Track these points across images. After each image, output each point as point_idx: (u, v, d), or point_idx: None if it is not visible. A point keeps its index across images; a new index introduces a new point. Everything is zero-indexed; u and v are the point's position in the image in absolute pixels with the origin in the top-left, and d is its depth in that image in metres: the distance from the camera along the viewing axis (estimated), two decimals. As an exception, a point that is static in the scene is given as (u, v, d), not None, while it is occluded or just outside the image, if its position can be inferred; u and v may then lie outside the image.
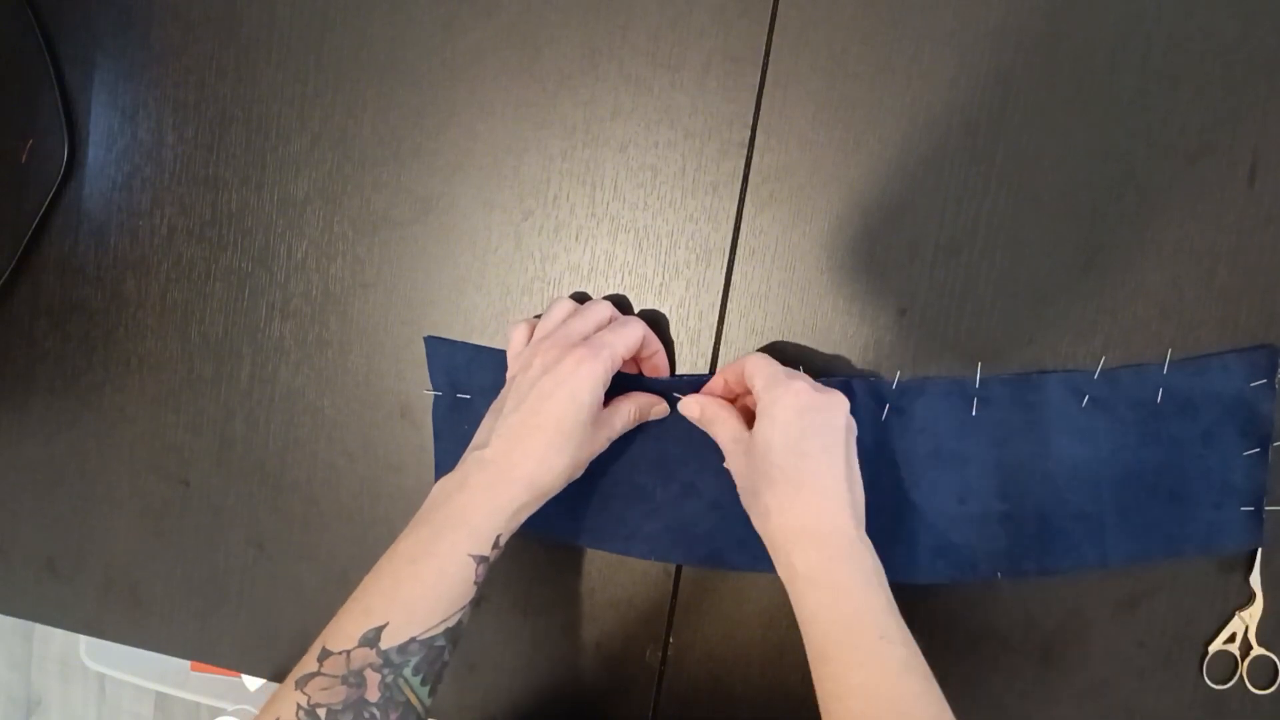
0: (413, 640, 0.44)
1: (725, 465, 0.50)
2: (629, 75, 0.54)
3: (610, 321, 0.52)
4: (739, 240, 0.54)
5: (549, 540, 0.57)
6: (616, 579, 0.57)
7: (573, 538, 0.56)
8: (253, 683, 1.19)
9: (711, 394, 0.52)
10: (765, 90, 0.53)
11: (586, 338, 0.50)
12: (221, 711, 1.22)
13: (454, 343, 0.57)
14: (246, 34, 0.59)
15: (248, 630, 0.62)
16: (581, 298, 0.56)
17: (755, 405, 0.48)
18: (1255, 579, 0.51)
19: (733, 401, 0.52)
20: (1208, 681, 0.52)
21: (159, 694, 1.55)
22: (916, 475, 0.52)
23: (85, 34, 0.61)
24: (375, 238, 0.58)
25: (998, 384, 0.51)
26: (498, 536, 0.47)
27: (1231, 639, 0.52)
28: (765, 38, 0.53)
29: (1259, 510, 0.50)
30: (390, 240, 0.58)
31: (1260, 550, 0.51)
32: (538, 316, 0.54)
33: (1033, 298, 0.52)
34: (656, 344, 0.54)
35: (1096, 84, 0.50)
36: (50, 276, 0.63)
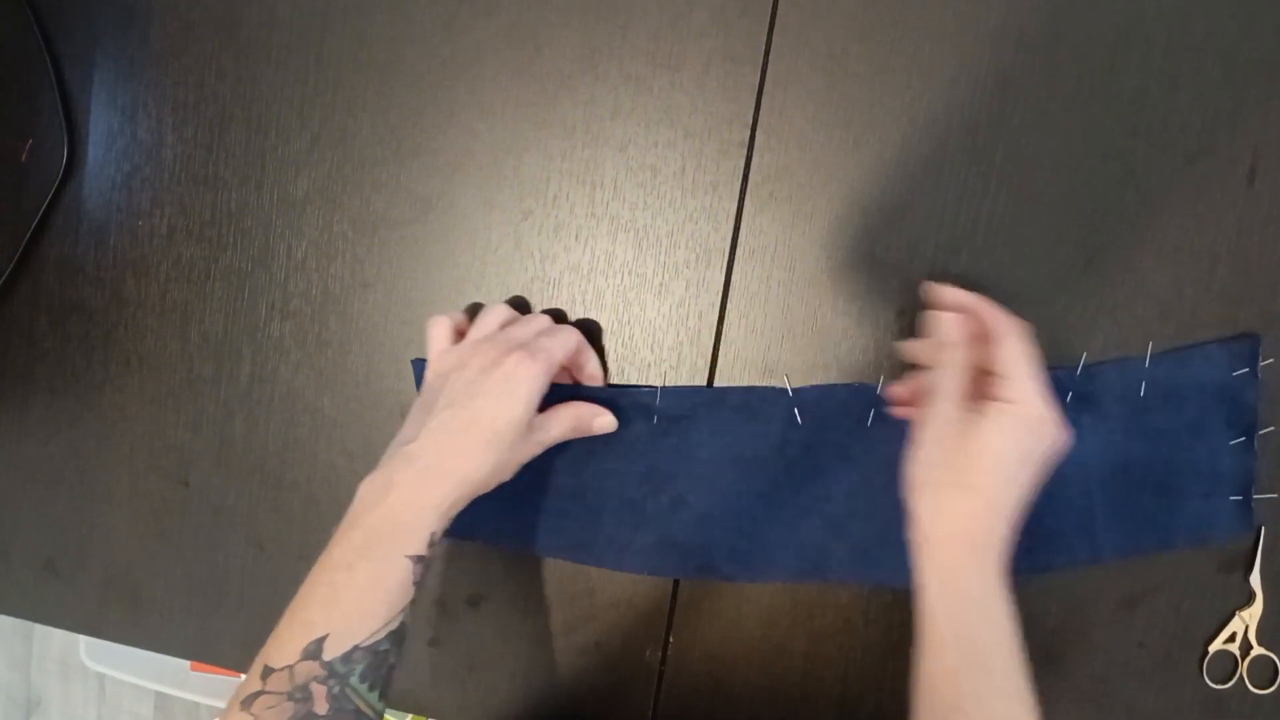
0: (356, 648, 0.44)
1: (913, 424, 0.46)
2: (629, 75, 0.54)
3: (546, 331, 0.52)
4: (739, 240, 0.54)
5: (540, 555, 0.57)
6: (616, 579, 0.57)
7: (564, 555, 0.56)
8: (253, 683, 1.19)
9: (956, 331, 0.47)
10: (765, 90, 0.53)
11: (524, 344, 0.50)
12: (221, 711, 1.22)
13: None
14: (246, 34, 0.59)
15: (248, 630, 0.62)
16: (520, 304, 0.56)
17: (995, 388, 0.44)
18: (1255, 579, 0.51)
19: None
20: (1208, 681, 0.52)
21: (159, 694, 1.55)
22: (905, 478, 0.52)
23: (85, 34, 0.61)
24: (375, 237, 0.58)
25: None
26: (431, 534, 0.46)
27: (1231, 639, 0.52)
28: (765, 37, 0.53)
29: (1248, 499, 0.50)
30: (390, 240, 0.58)
31: (1260, 550, 0.51)
32: (465, 312, 0.55)
33: (1033, 298, 0.52)
34: (592, 355, 0.54)
35: (1096, 84, 0.50)
36: (50, 276, 0.63)
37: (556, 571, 0.58)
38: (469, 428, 0.48)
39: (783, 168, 0.53)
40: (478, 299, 0.57)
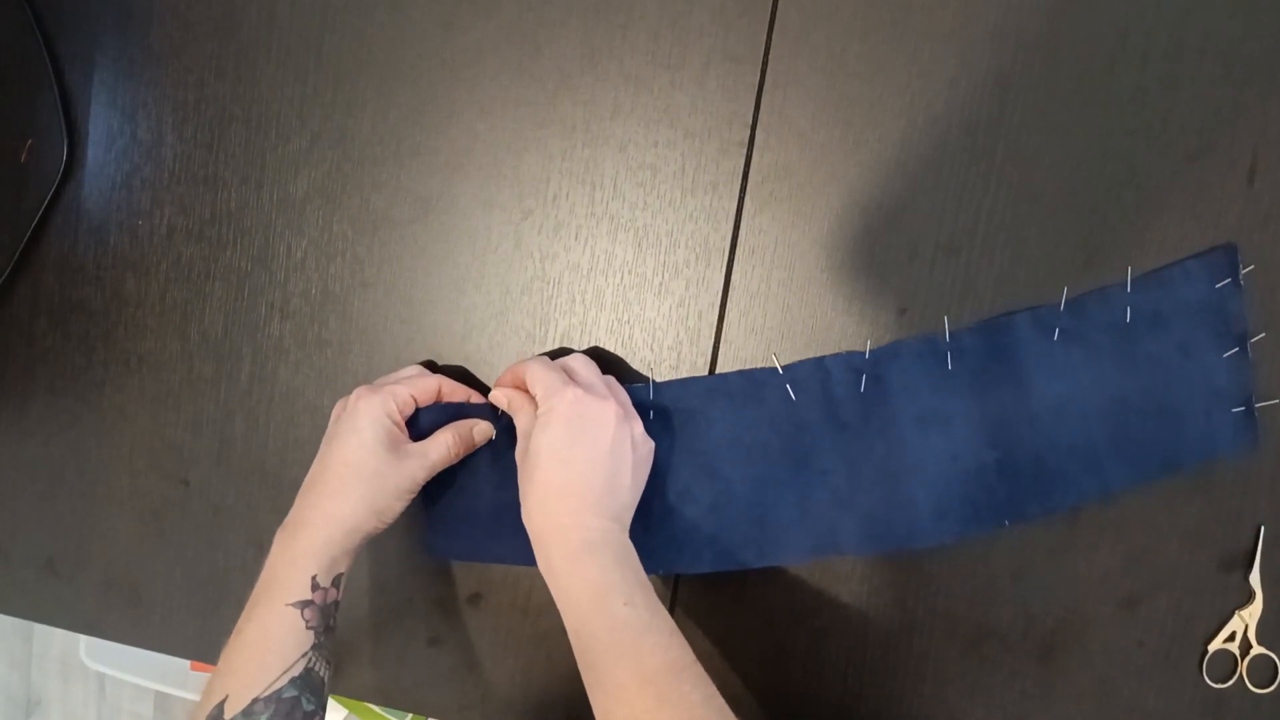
0: (255, 700, 0.46)
1: (514, 453, 0.52)
2: (629, 74, 0.54)
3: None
4: (738, 239, 0.54)
5: None
6: (616, 578, 0.57)
7: None
8: (253, 682, 1.19)
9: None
10: (765, 90, 0.53)
11: (370, 384, 0.54)
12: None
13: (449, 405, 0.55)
14: (246, 34, 0.59)
15: (248, 630, 0.62)
16: (461, 374, 0.58)
17: None
18: (1255, 578, 0.51)
19: None
20: (1207, 680, 0.52)
21: (159, 693, 1.55)
22: (905, 440, 0.52)
23: (85, 34, 0.61)
24: (375, 237, 0.58)
25: (968, 334, 0.51)
26: (312, 578, 0.49)
27: (1231, 638, 0.52)
28: (765, 37, 0.53)
29: (1250, 409, 0.50)
30: (390, 240, 0.58)
31: (1260, 549, 0.51)
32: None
33: (1032, 297, 0.52)
34: (464, 392, 0.55)
35: (1096, 84, 0.50)
36: (50, 276, 0.63)
37: (556, 571, 0.58)
38: (325, 471, 0.51)
39: (783, 167, 0.53)
40: (477, 298, 0.57)
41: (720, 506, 0.53)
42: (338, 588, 0.50)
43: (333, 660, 0.50)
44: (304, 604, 0.48)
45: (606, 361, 0.56)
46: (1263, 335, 0.50)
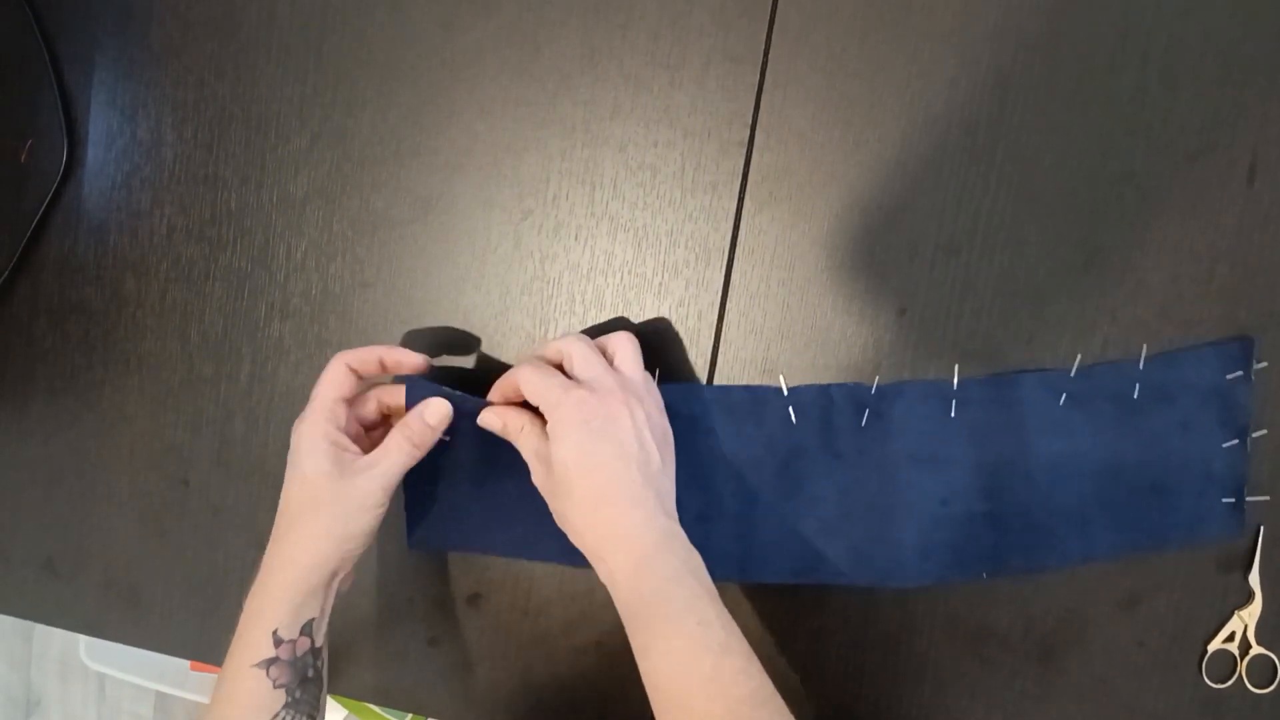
0: None
1: (533, 482, 0.49)
2: (628, 74, 0.54)
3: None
4: (738, 239, 0.54)
5: (536, 560, 0.57)
6: (616, 578, 0.57)
7: (560, 560, 0.56)
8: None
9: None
10: (764, 90, 0.53)
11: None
12: None
13: (436, 386, 0.52)
14: (246, 33, 0.59)
15: (247, 630, 0.62)
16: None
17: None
18: (1254, 578, 0.51)
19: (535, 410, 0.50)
20: (1207, 681, 0.52)
21: (159, 694, 1.55)
22: (898, 478, 0.52)
23: (85, 34, 0.61)
24: (375, 237, 0.58)
25: (975, 385, 0.51)
26: (274, 632, 0.47)
27: (1231, 638, 0.52)
28: (764, 37, 0.53)
29: (1240, 501, 0.50)
30: (390, 240, 0.58)
31: (1259, 550, 0.51)
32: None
33: (1032, 297, 0.52)
34: (411, 359, 0.52)
35: (1096, 84, 0.50)
36: (50, 276, 0.63)
37: (556, 571, 0.58)
38: (279, 516, 0.49)
39: (782, 167, 0.53)
40: (477, 298, 0.57)
41: (708, 519, 0.53)
42: (311, 634, 0.48)
43: (316, 711, 0.49)
44: (268, 663, 0.47)
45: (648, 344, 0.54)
46: (1264, 432, 0.50)
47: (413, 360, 0.52)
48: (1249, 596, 0.52)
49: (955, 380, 0.51)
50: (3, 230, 0.62)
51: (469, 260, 0.57)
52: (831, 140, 0.53)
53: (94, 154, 0.62)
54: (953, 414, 0.52)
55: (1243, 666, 0.52)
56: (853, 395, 0.52)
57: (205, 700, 1.21)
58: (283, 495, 0.49)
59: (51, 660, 1.62)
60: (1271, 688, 0.52)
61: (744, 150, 0.53)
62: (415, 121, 0.57)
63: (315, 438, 0.49)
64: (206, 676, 1.21)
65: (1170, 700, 0.53)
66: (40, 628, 1.58)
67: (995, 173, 0.51)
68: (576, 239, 0.56)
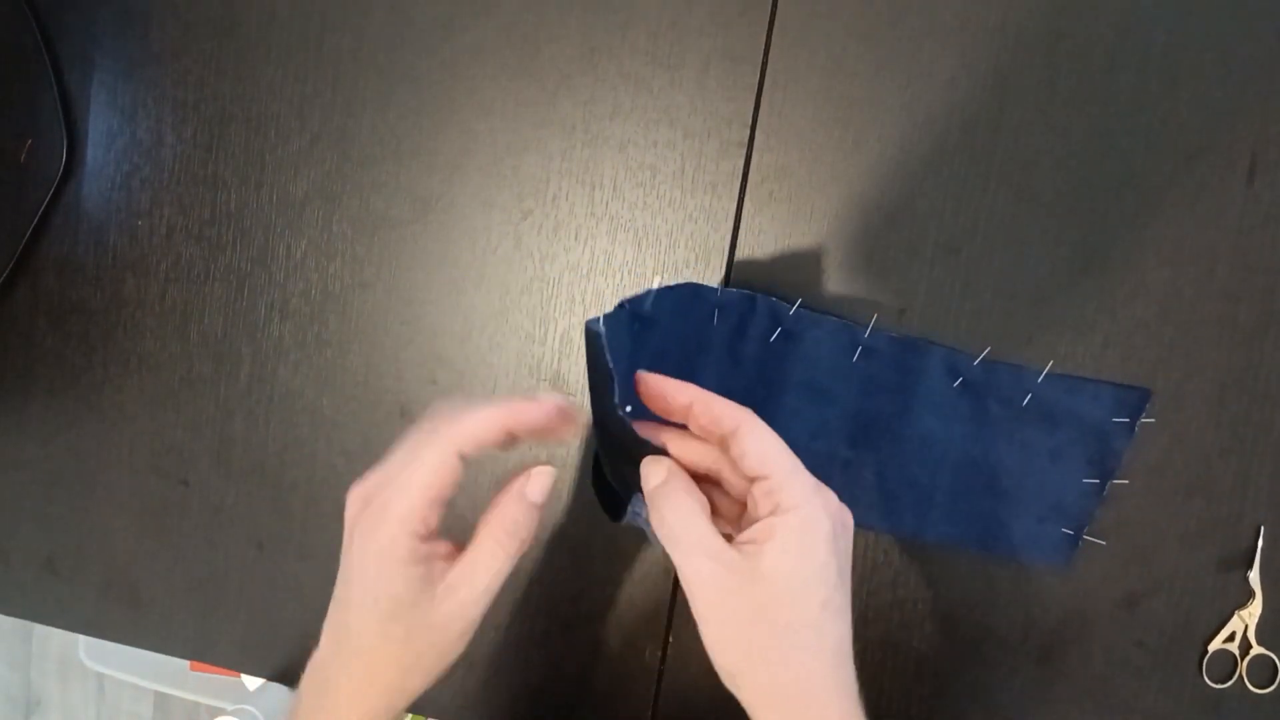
0: None
1: (685, 591, 0.35)
2: (628, 74, 0.54)
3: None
4: (738, 240, 0.54)
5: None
6: (616, 579, 0.57)
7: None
8: (252, 683, 1.19)
9: (678, 457, 0.37)
10: (764, 90, 0.53)
11: (368, 496, 0.36)
12: (221, 711, 1.22)
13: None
14: (245, 33, 0.59)
15: (247, 630, 0.62)
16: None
17: (755, 502, 0.34)
18: (1254, 578, 0.51)
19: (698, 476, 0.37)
20: (1207, 680, 0.52)
21: (159, 694, 1.55)
22: (783, 401, 0.53)
23: (84, 34, 0.61)
24: (374, 237, 0.58)
25: (885, 339, 0.52)
26: None
27: (1231, 638, 0.52)
28: (764, 37, 0.53)
29: (1077, 536, 0.52)
30: (389, 240, 0.58)
31: (1259, 549, 0.51)
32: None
33: (1032, 297, 0.52)
34: (519, 416, 0.36)
35: (1096, 83, 0.50)
36: (49, 276, 0.63)
37: (556, 571, 0.58)
38: (334, 649, 0.36)
39: (782, 167, 0.53)
40: (476, 298, 0.57)
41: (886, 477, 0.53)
42: None
43: None
44: None
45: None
46: (1126, 482, 0.51)
47: (543, 410, 0.37)
48: (1249, 596, 0.52)
49: (869, 329, 0.52)
50: (2, 230, 0.62)
51: (469, 260, 0.57)
52: (831, 140, 0.53)
53: (94, 154, 0.62)
54: (855, 359, 0.52)
55: (1243, 666, 0.52)
56: (772, 310, 0.52)
57: (205, 700, 1.21)
58: (328, 626, 0.36)
59: (51, 660, 1.62)
60: (1271, 688, 0.52)
61: (744, 150, 0.53)
62: (415, 121, 0.57)
63: (393, 556, 0.35)
64: (206, 676, 1.21)
65: (1170, 700, 0.53)
66: (40, 628, 1.58)
67: (995, 173, 0.51)
68: (576, 239, 0.56)
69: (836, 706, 0.34)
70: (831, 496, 0.35)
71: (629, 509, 0.44)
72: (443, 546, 0.37)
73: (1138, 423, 0.51)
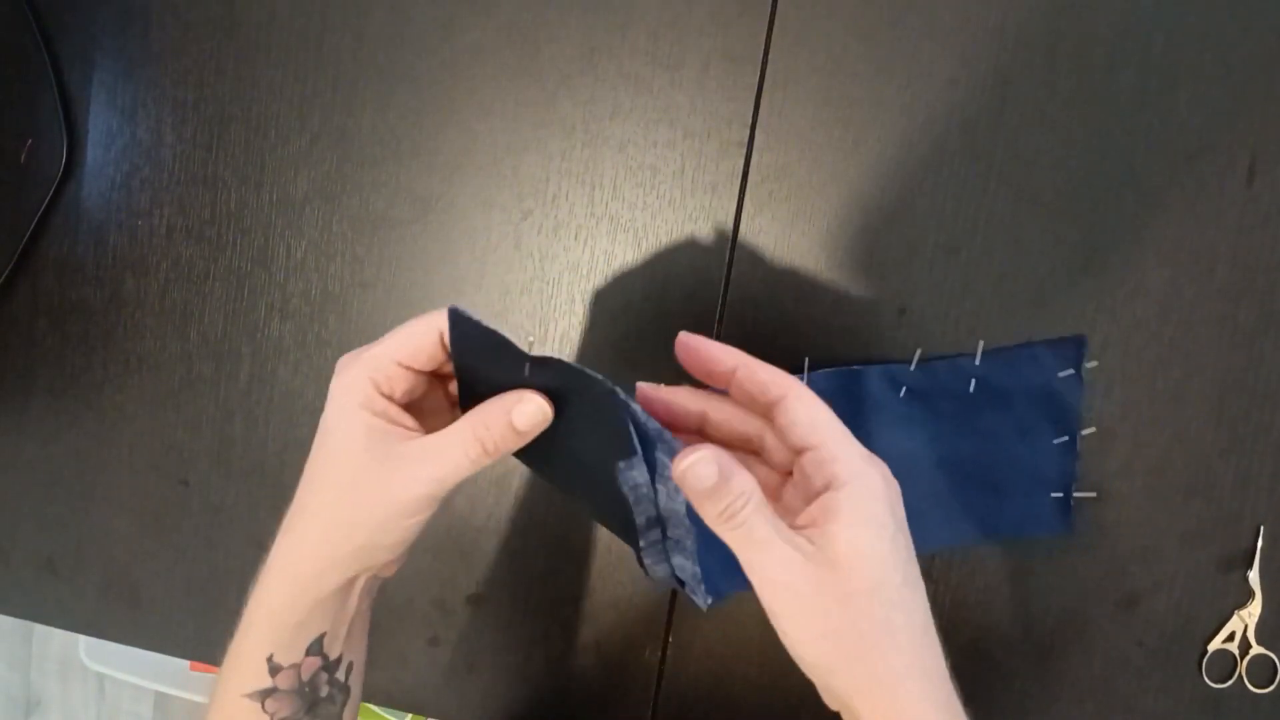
0: None
1: (759, 591, 0.32)
2: (628, 74, 0.54)
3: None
4: (738, 240, 0.54)
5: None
6: (616, 579, 0.57)
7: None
8: (252, 682, 1.19)
9: (718, 425, 0.36)
10: (764, 90, 0.53)
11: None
12: None
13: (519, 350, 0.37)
14: (245, 33, 0.59)
15: (247, 630, 0.62)
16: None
17: (804, 474, 0.33)
18: (1254, 578, 0.51)
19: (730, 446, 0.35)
20: (1207, 680, 0.52)
21: (158, 694, 1.55)
22: None
23: (84, 34, 0.61)
24: (374, 237, 0.58)
25: (821, 378, 0.52)
26: (269, 658, 0.37)
27: (1231, 638, 0.52)
28: (764, 37, 0.53)
29: (1068, 497, 0.51)
30: (389, 240, 0.58)
31: (1259, 549, 0.51)
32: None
33: (1032, 297, 0.52)
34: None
35: (1096, 83, 0.50)
36: (49, 276, 0.63)
37: (556, 571, 0.58)
38: (295, 501, 0.37)
39: (782, 167, 0.53)
40: (477, 298, 0.57)
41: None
42: (322, 652, 0.37)
43: None
44: (263, 694, 0.37)
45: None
46: (1093, 430, 0.51)
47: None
48: (1249, 596, 0.52)
49: (805, 374, 0.52)
50: (2, 230, 0.62)
51: (469, 260, 0.57)
52: (831, 140, 0.53)
53: (94, 154, 0.62)
54: None
55: (1243, 666, 0.52)
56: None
57: (205, 700, 1.21)
58: (306, 466, 0.38)
59: (51, 660, 1.62)
60: (1271, 688, 0.52)
61: (744, 150, 0.54)
62: (415, 121, 0.57)
63: (351, 397, 0.35)
64: (206, 676, 1.21)
65: (1170, 700, 0.53)
66: (40, 628, 1.58)
67: (995, 173, 0.51)
68: (576, 239, 0.56)
69: (937, 688, 0.32)
70: (883, 464, 0.33)
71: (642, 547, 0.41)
72: (408, 419, 0.36)
73: (1082, 369, 0.51)
